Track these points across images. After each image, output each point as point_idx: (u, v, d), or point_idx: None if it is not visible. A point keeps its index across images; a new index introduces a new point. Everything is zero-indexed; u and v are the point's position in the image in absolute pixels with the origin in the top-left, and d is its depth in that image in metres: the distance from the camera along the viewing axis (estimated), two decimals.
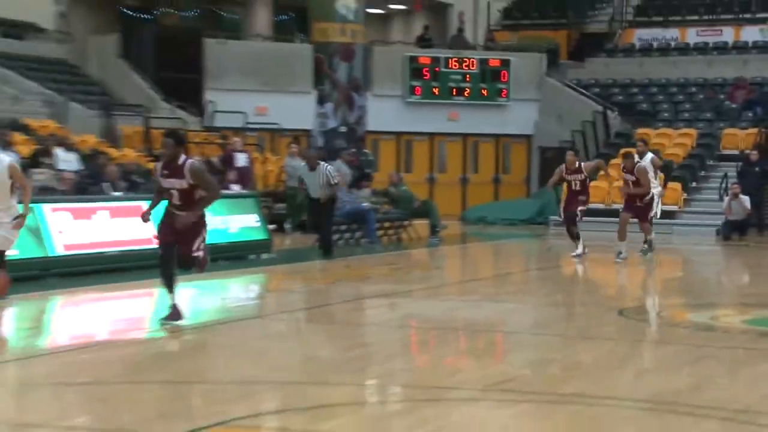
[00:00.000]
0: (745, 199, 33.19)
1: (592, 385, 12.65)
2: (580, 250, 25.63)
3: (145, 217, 14.73)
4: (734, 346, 15.68)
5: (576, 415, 10.62)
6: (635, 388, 12.12)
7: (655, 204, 26.63)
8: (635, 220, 25.86)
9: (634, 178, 24.84)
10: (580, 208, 26.20)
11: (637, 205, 24.85)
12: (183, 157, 12.77)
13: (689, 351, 15.07)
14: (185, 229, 13.75)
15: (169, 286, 14.45)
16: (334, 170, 26.21)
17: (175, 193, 12.77)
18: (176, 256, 14.35)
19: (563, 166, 26.77)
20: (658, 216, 27.46)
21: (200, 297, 20.87)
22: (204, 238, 14.59)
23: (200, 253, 14.46)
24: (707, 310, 18.65)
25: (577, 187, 25.90)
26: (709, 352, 14.94)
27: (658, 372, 13.51)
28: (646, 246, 26.19)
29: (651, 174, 26.70)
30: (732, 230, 33.62)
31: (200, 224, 14.26)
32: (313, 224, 26.86)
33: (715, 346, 15.49)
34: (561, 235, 26.13)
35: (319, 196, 25.11)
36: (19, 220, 16.55)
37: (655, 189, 26.86)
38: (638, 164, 25.76)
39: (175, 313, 14.11)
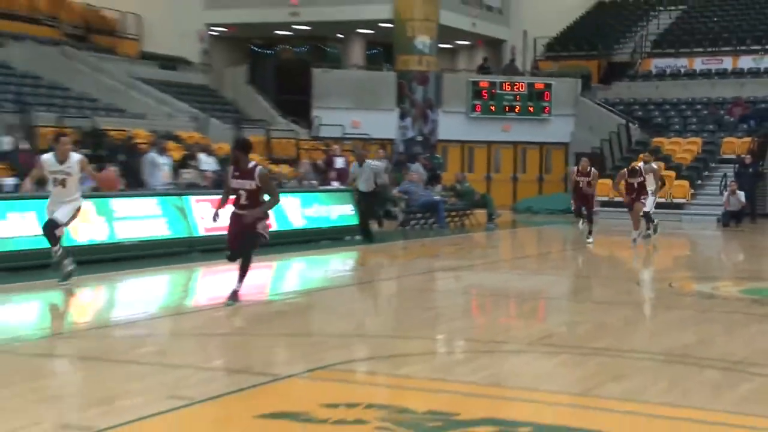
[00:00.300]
0: (741, 194, 33.17)
1: (616, 341, 12.74)
2: (591, 237, 24.84)
3: (216, 216, 14.15)
4: (731, 310, 15.57)
5: (603, 365, 10.60)
6: (651, 344, 12.21)
7: (651, 201, 26.16)
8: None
9: (640, 180, 24.39)
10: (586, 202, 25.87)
11: (639, 198, 24.29)
12: (252, 162, 12.62)
13: (695, 314, 15.15)
14: (250, 225, 13.22)
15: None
16: (380, 167, 25.46)
17: (243, 193, 12.55)
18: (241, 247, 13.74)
19: (575, 168, 26.83)
20: (652, 210, 26.67)
21: (307, 269, 21.42)
22: (265, 226, 13.88)
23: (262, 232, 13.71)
24: (709, 281, 18.64)
25: (584, 186, 25.47)
26: (711, 316, 15.03)
27: (669, 331, 13.41)
28: (649, 231, 25.68)
29: (651, 178, 26.19)
30: (730, 219, 33.56)
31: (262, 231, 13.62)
32: (359, 212, 25.30)
33: (716, 311, 15.50)
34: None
35: (364, 189, 24.36)
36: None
37: (651, 188, 26.07)
38: (645, 166, 25.62)
39: (234, 295, 13.51)
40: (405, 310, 16.09)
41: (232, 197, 12.73)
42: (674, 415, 8.40)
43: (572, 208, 27.76)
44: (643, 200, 24.53)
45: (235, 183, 12.36)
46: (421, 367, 10.68)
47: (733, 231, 32.79)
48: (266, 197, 14.02)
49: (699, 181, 38.30)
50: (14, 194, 20.49)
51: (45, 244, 18.72)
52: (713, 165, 38.91)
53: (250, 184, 12.11)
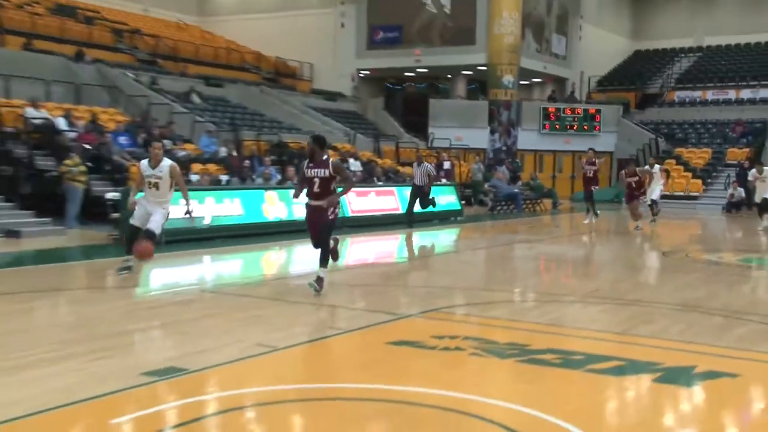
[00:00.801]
0: (741, 190, 32.70)
1: (646, 295, 12.55)
2: (587, 220, 23.60)
3: (296, 195, 11.69)
4: (731, 274, 15.40)
5: (636, 312, 10.37)
6: (671, 297, 11.88)
7: (656, 194, 24.99)
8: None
9: (637, 179, 22.84)
10: (593, 186, 24.37)
11: (636, 194, 22.64)
12: (326, 155, 10.88)
13: (704, 276, 14.90)
14: (326, 210, 10.88)
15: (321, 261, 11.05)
16: (432, 169, 24.00)
17: (317, 180, 10.67)
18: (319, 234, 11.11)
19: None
20: (658, 199, 25.48)
21: (423, 240, 21.06)
22: (336, 214, 11.34)
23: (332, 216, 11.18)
24: (715, 253, 18.32)
25: (590, 174, 24.13)
26: (716, 278, 14.76)
27: (685, 288, 13.20)
28: (654, 217, 24.21)
29: (657, 177, 25.31)
30: (731, 207, 33.27)
31: (333, 216, 11.07)
32: (412, 202, 22.57)
33: (720, 274, 15.27)
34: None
35: (420, 183, 22.37)
36: (191, 213, 12.67)
37: (659, 183, 25.29)
38: (645, 168, 24.85)
39: (320, 282, 10.69)
40: (491, 270, 16.05)
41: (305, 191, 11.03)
42: (689, 350, 8.31)
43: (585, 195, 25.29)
44: (641, 197, 23.28)
45: (310, 172, 10.81)
46: (503, 311, 10.72)
47: (733, 217, 32.10)
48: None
49: (709, 180, 37.57)
50: (226, 186, 20.67)
51: (250, 219, 19.13)
52: (720, 168, 38.04)
53: (324, 172, 10.65)
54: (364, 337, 8.68)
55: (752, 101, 44.58)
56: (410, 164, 31.81)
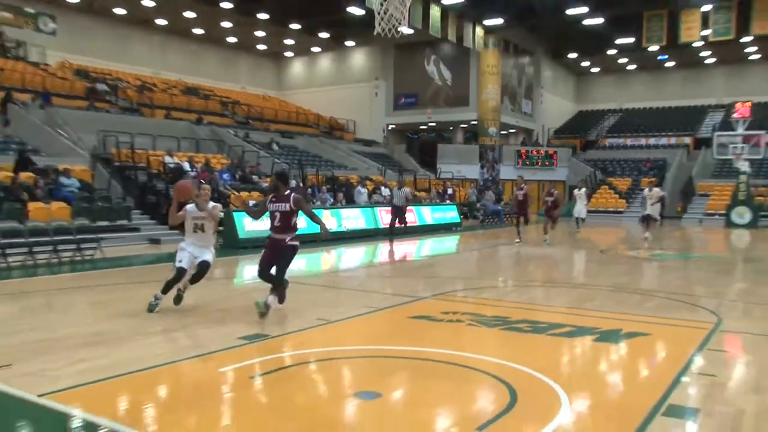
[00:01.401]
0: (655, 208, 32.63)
1: (588, 280, 12.67)
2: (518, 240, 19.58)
3: (256, 217, 9.40)
4: (646, 265, 15.17)
5: (582, 293, 10.55)
6: (606, 281, 11.83)
7: (584, 213, 23.92)
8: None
9: (552, 199, 19.91)
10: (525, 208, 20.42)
11: (551, 211, 19.75)
12: (288, 190, 8.55)
13: (628, 267, 14.70)
14: (282, 251, 8.37)
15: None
16: (410, 193, 22.04)
17: (278, 215, 8.32)
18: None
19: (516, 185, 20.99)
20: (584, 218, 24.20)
21: (433, 244, 20.64)
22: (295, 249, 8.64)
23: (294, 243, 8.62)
24: (634, 250, 18.01)
25: (521, 198, 19.59)
26: (635, 267, 14.65)
27: (616, 275, 12.96)
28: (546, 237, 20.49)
29: (582, 198, 24.14)
30: (644, 219, 33.00)
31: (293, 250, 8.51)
32: (393, 220, 20.22)
33: (638, 265, 15.11)
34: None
35: (399, 204, 20.16)
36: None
37: (582, 204, 23.94)
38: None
39: (266, 308, 7.99)
40: (482, 265, 15.83)
41: (266, 218, 8.71)
42: (618, 318, 8.23)
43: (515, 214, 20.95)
44: (556, 214, 20.43)
45: (272, 206, 8.38)
46: (490, 294, 10.65)
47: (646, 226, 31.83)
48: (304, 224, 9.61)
49: (629, 200, 37.22)
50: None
51: (310, 230, 19.20)
52: (636, 191, 37.58)
53: (285, 206, 8.28)
54: (392, 314, 8.61)
55: (656, 146, 44.78)
56: (425, 190, 31.86)
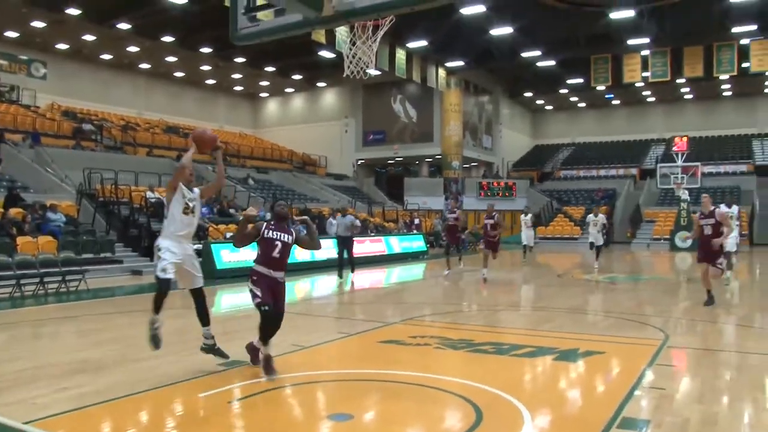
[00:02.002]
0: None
1: (547, 303, 12.67)
2: (447, 271, 17.50)
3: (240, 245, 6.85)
4: (600, 288, 15.08)
5: (541, 315, 10.76)
6: (563, 304, 11.89)
7: (532, 241, 23.23)
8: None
9: (492, 222, 16.05)
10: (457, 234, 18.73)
11: (491, 237, 16.30)
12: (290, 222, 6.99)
13: (583, 290, 14.74)
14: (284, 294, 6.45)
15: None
16: (356, 221, 18.38)
17: (279, 245, 6.33)
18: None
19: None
20: (531, 243, 23.32)
21: (401, 272, 20.55)
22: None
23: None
24: (588, 273, 18.10)
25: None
26: (591, 290, 14.63)
27: (572, 297, 13.10)
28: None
29: (527, 224, 22.88)
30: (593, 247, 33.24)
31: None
32: (340, 253, 17.07)
33: (593, 288, 15.08)
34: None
35: (343, 234, 17.07)
36: None
37: (529, 232, 22.89)
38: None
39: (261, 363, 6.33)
40: (448, 290, 15.63)
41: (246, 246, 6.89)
42: (575, 338, 8.21)
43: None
44: (497, 241, 16.49)
45: (272, 233, 6.40)
46: (456, 317, 10.60)
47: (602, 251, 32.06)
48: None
49: (583, 227, 37.44)
50: None
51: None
52: (589, 218, 38.10)
53: (287, 237, 6.41)
54: (363, 339, 8.51)
55: (606, 177, 45.39)
56: (393, 221, 31.77)
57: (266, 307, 6.16)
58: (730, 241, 14.34)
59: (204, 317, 6.62)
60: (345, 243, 17.27)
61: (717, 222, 10.70)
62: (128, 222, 20.37)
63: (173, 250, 6.26)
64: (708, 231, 10.73)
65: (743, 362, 7.01)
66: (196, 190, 6.72)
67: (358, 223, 19.24)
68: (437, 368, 6.69)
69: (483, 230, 17.60)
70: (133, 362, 6.90)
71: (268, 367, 6.20)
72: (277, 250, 6.37)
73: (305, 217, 7.09)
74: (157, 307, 6.32)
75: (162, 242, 6.28)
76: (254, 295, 6.25)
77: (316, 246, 6.84)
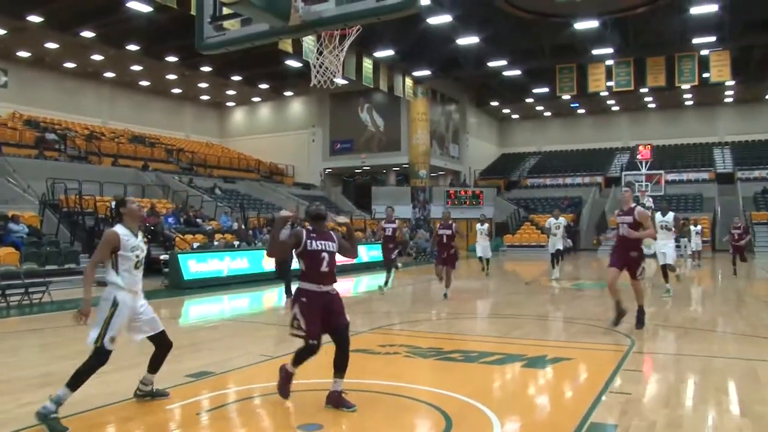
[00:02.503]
0: (569, 240, 32.91)
1: (515, 310, 12.44)
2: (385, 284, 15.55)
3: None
4: (567, 294, 14.98)
5: (509, 322, 10.74)
6: (532, 311, 11.93)
7: (488, 252, 20.46)
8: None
9: (450, 232, 13.78)
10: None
11: (446, 250, 13.91)
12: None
13: (551, 297, 14.78)
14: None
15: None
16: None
17: (326, 257, 5.56)
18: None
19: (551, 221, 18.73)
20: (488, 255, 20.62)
21: (366, 282, 20.12)
22: None
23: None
24: (557, 282, 17.97)
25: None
26: (558, 297, 14.68)
27: (540, 305, 13.15)
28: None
29: (483, 234, 20.24)
30: (564, 252, 33.47)
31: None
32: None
33: (561, 295, 15.14)
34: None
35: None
36: None
37: (484, 242, 20.34)
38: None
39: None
40: (416, 299, 15.68)
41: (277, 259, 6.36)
42: (543, 345, 8.30)
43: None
44: (454, 254, 14.10)
45: (314, 244, 5.54)
46: (424, 326, 10.59)
47: (566, 259, 32.31)
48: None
49: (549, 235, 37.98)
50: (238, 248, 20.33)
51: (254, 270, 18.98)
52: (549, 222, 38.49)
53: (333, 246, 5.67)
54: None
55: (572, 185, 46.04)
56: (361, 230, 31.76)
57: (314, 342, 5.56)
58: (668, 251, 14.03)
59: (158, 364, 5.77)
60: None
61: (635, 221, 9.22)
62: (93, 232, 20.08)
63: (123, 307, 5.52)
64: (623, 231, 9.31)
65: (707, 366, 7.12)
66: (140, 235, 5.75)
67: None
68: (407, 377, 6.68)
69: (438, 242, 14.36)
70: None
71: (285, 388, 5.69)
72: (325, 263, 5.59)
73: (346, 220, 6.47)
74: (82, 382, 5.26)
75: (116, 294, 5.53)
76: (298, 326, 5.54)
77: (354, 253, 6.03)
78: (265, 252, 6.55)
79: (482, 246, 20.79)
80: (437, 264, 14.28)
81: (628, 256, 9.26)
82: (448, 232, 13.78)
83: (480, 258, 20.93)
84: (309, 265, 5.59)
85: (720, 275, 20.80)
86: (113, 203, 6.65)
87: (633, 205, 9.56)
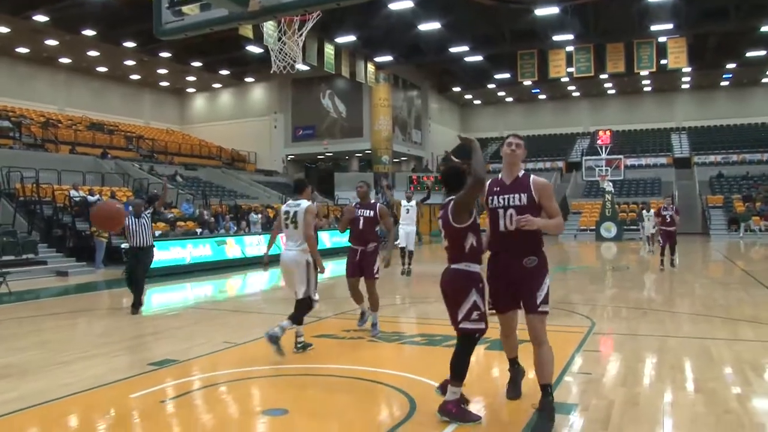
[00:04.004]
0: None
1: None
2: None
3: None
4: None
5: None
6: None
7: (411, 245, 17.01)
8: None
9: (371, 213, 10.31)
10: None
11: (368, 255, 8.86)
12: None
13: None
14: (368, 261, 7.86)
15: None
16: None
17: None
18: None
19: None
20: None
21: (330, 268, 20.47)
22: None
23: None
24: None
25: (361, 227, 8.56)
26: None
27: None
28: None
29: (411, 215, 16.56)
30: None
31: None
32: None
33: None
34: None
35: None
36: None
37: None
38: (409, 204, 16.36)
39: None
40: (380, 283, 15.69)
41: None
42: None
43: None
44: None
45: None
46: (388, 311, 10.48)
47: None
48: None
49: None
50: (200, 235, 20.16)
51: (217, 257, 18.82)
52: None
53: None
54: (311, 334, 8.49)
55: (534, 170, 45.43)
56: (325, 216, 31.71)
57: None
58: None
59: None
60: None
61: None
62: (52, 222, 19.77)
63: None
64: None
65: (663, 345, 7.31)
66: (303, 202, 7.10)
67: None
68: (371, 361, 6.74)
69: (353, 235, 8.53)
70: (59, 366, 6.70)
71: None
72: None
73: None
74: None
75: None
76: (480, 317, 4.98)
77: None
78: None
79: (405, 232, 15.79)
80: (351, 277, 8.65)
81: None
82: (368, 213, 8.30)
83: (401, 249, 15.84)
84: (478, 240, 4.83)
85: (677, 258, 21.26)
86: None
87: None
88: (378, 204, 8.24)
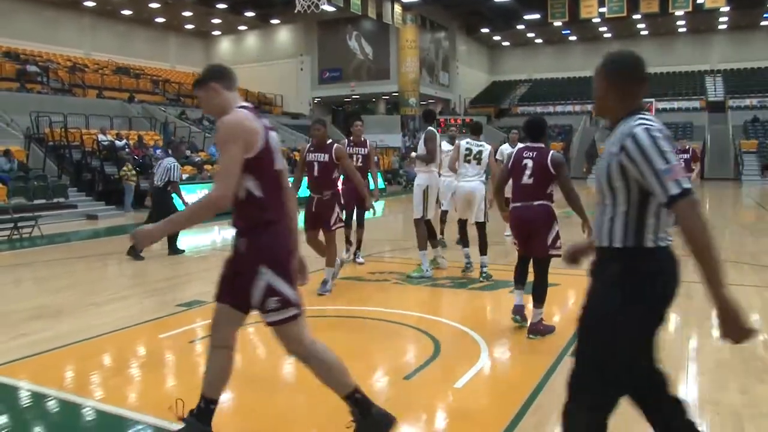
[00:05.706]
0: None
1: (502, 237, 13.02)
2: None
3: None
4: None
5: (499, 248, 10.98)
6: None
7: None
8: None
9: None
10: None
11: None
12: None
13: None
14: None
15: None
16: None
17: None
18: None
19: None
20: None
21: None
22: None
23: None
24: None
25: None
26: None
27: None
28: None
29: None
30: None
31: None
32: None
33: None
34: None
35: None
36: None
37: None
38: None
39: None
40: (406, 227, 15.42)
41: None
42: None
43: None
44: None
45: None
46: (415, 253, 10.33)
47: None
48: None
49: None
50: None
51: None
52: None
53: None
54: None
55: (563, 113, 45.73)
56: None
57: None
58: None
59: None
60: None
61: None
62: (81, 166, 19.98)
63: None
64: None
65: (689, 291, 7.20)
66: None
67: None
68: (396, 303, 6.79)
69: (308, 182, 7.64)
70: (91, 306, 6.87)
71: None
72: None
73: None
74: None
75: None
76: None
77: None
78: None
79: (449, 187, 10.18)
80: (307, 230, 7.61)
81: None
82: (323, 157, 7.23)
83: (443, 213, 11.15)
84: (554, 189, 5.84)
85: (708, 204, 20.99)
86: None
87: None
88: (335, 145, 7.19)
